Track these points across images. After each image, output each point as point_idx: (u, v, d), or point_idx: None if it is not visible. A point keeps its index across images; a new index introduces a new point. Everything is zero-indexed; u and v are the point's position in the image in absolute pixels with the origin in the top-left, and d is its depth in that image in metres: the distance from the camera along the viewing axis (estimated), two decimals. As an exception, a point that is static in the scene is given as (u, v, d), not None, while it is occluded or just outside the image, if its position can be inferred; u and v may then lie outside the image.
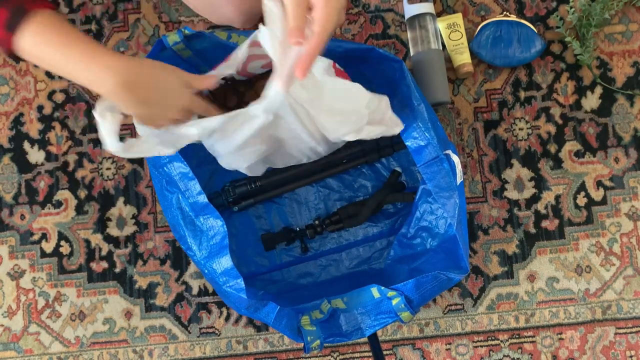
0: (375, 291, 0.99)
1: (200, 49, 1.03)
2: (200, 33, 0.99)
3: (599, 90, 1.25)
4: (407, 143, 0.98)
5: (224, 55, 1.04)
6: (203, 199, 0.94)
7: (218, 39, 0.99)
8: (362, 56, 1.02)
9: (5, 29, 0.76)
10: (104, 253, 1.20)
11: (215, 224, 0.94)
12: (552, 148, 1.23)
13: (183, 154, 0.96)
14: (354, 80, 1.10)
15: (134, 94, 0.76)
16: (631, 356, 1.18)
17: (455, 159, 0.97)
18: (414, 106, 0.97)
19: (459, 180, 0.98)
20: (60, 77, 1.25)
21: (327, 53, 1.01)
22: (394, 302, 0.96)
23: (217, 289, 1.00)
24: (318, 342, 0.96)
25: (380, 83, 1.03)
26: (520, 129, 1.23)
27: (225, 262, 0.93)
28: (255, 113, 0.80)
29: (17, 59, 0.80)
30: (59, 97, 1.25)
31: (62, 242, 1.21)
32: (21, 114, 1.25)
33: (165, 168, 0.98)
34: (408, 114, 0.98)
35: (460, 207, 0.96)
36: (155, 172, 1.02)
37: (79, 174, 1.22)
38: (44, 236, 1.21)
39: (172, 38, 0.99)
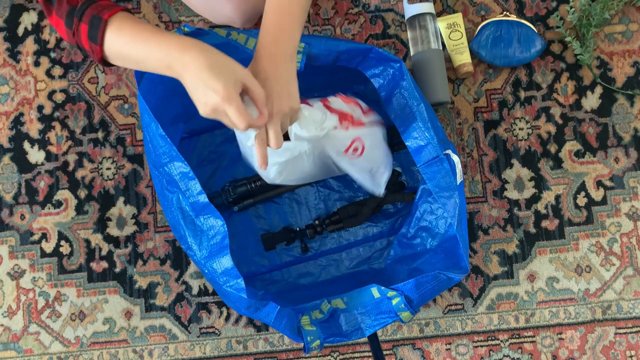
0: (375, 291, 0.99)
1: None
2: (199, 30, 0.99)
3: (599, 90, 1.25)
4: (407, 143, 0.98)
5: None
6: (203, 198, 0.94)
7: (217, 36, 0.99)
8: (361, 56, 1.02)
9: (90, 42, 0.80)
10: (104, 253, 1.20)
11: (215, 224, 0.94)
12: (552, 148, 1.23)
13: (183, 154, 0.96)
14: (353, 80, 1.11)
15: (214, 73, 0.76)
16: (631, 356, 1.18)
17: (455, 158, 0.97)
18: (413, 106, 0.97)
19: (459, 180, 0.98)
20: (60, 77, 1.25)
21: (327, 52, 1.01)
22: (394, 302, 0.96)
23: (217, 288, 1.00)
24: (318, 342, 0.96)
25: (380, 83, 1.03)
26: (520, 129, 1.23)
27: (225, 262, 0.93)
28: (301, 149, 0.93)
29: (110, 64, 0.84)
30: (59, 97, 1.25)
31: (62, 242, 1.21)
32: (21, 114, 1.25)
33: (165, 168, 0.98)
34: (408, 113, 0.98)
35: (461, 207, 0.96)
36: (155, 172, 1.02)
37: (79, 174, 1.22)
38: (44, 236, 1.21)
39: None
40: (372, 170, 1.03)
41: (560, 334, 1.18)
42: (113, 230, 1.21)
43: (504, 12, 1.24)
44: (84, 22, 0.81)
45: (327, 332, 0.98)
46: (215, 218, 0.94)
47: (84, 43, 0.83)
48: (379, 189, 1.03)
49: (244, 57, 1.02)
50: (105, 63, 0.86)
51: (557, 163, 1.22)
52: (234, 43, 0.99)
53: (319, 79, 1.13)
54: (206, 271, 0.97)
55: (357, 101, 1.03)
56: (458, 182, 0.97)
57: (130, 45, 0.80)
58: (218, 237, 0.93)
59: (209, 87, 0.76)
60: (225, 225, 0.93)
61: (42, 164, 1.23)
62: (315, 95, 1.23)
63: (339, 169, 1.01)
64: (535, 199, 1.21)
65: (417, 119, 0.97)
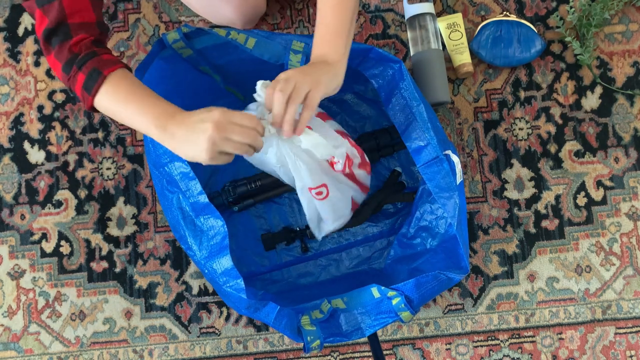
0: (375, 291, 0.99)
1: (200, 48, 1.03)
2: (199, 29, 1.00)
3: (599, 90, 1.25)
4: (406, 143, 0.98)
5: (224, 54, 1.04)
6: (204, 198, 0.94)
7: (217, 35, 0.99)
8: (361, 56, 1.02)
9: (84, 91, 0.84)
10: (104, 253, 1.20)
11: (215, 224, 0.94)
12: (552, 148, 1.23)
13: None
14: (353, 80, 1.11)
15: (171, 141, 0.82)
16: (631, 356, 1.18)
17: (455, 159, 0.97)
18: (413, 107, 0.97)
19: (459, 180, 0.98)
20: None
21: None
22: (394, 301, 0.96)
23: (217, 288, 1.00)
24: (318, 342, 0.96)
25: (380, 83, 1.03)
26: (520, 129, 1.23)
27: (225, 262, 0.93)
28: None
29: (96, 111, 0.88)
30: (59, 97, 1.25)
31: (62, 242, 1.21)
32: (21, 114, 1.25)
33: (166, 168, 0.98)
34: (408, 114, 0.98)
35: (461, 207, 0.96)
36: (155, 172, 1.02)
37: (79, 174, 1.22)
38: (44, 236, 1.21)
39: (172, 36, 0.99)
40: (319, 217, 1.04)
41: (560, 333, 1.18)
42: (113, 230, 1.21)
43: (504, 12, 1.24)
44: (83, 72, 0.85)
45: (327, 332, 0.98)
46: (215, 218, 0.94)
47: (77, 90, 0.86)
48: (319, 235, 1.06)
49: (243, 56, 1.02)
50: (93, 110, 0.89)
51: (557, 163, 1.22)
52: (234, 43, 0.99)
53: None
54: (206, 271, 0.97)
55: (363, 154, 1.06)
56: (458, 182, 0.97)
57: (122, 104, 0.84)
58: (218, 237, 0.93)
59: (195, 144, 0.80)
60: (225, 226, 0.93)
61: (42, 164, 1.23)
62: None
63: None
64: (535, 199, 1.21)
65: (417, 119, 0.97)
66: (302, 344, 0.97)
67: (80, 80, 0.85)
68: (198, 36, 1.01)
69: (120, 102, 0.84)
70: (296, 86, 0.83)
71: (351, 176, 1.04)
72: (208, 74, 1.09)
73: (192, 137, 0.80)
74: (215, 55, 1.05)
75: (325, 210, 1.03)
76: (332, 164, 1.00)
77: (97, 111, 0.89)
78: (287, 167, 0.96)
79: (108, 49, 0.89)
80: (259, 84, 0.88)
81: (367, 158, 1.07)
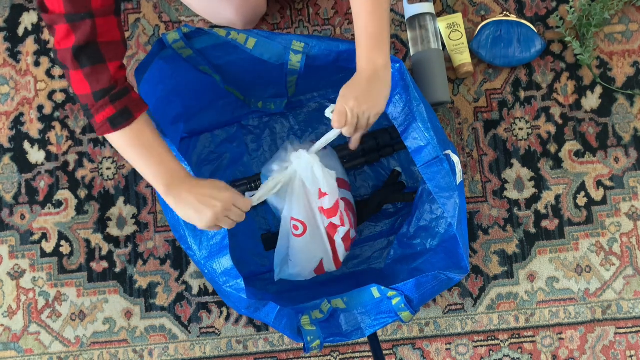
0: (375, 291, 0.99)
1: (200, 49, 1.03)
2: (199, 30, 1.00)
3: (599, 90, 1.25)
4: (406, 143, 0.98)
5: (224, 54, 1.04)
6: None
7: (217, 35, 0.99)
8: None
9: (109, 124, 0.87)
10: (104, 253, 1.20)
11: None
12: (552, 148, 1.23)
13: (183, 154, 0.96)
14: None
15: (177, 202, 0.90)
16: (631, 356, 1.18)
17: (455, 159, 0.97)
18: (413, 106, 0.97)
19: (459, 180, 0.98)
20: (60, 77, 1.25)
21: (327, 53, 1.01)
22: (394, 301, 0.96)
23: (217, 288, 1.00)
24: (318, 342, 0.96)
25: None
26: (520, 129, 1.23)
27: (225, 262, 0.93)
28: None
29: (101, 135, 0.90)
30: (59, 97, 1.25)
31: (62, 242, 1.21)
32: (21, 114, 1.25)
33: None
34: (408, 114, 0.98)
35: (460, 207, 0.96)
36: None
37: (79, 174, 1.22)
38: (44, 236, 1.21)
39: (172, 36, 0.99)
40: (289, 256, 1.07)
41: (560, 333, 1.18)
42: (113, 230, 1.21)
43: (504, 12, 1.24)
44: (115, 106, 0.86)
45: (327, 332, 0.98)
46: None
47: (99, 118, 0.87)
48: (276, 275, 1.08)
49: (243, 56, 1.02)
50: (101, 135, 0.90)
51: (557, 163, 1.22)
52: (234, 43, 0.99)
53: (319, 78, 1.13)
54: (206, 271, 0.97)
55: (351, 229, 1.08)
56: (458, 182, 0.97)
57: (136, 151, 0.89)
58: (218, 237, 0.93)
59: (201, 213, 0.89)
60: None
61: (42, 164, 1.23)
62: (315, 95, 1.24)
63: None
64: (535, 199, 1.21)
65: (417, 119, 0.97)
66: (302, 344, 0.97)
67: (109, 113, 0.86)
68: (198, 36, 1.01)
69: (138, 147, 0.89)
70: (360, 119, 0.93)
71: (331, 238, 1.06)
72: (208, 73, 1.09)
73: (199, 207, 0.89)
74: (215, 55, 1.05)
75: (295, 249, 1.05)
76: (321, 195, 1.02)
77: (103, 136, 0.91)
78: (280, 193, 1.02)
79: (131, 86, 0.91)
80: (328, 111, 0.95)
81: (352, 233, 1.09)
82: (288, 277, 1.09)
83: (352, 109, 0.91)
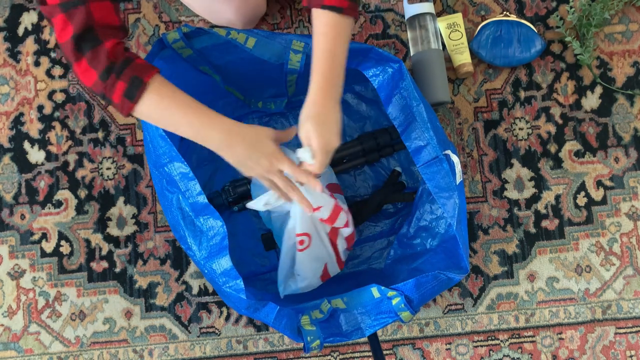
0: (375, 291, 0.99)
1: (200, 48, 1.03)
2: (199, 29, 1.00)
3: (599, 90, 1.25)
4: (406, 143, 0.98)
5: (224, 54, 1.04)
6: (203, 199, 0.94)
7: (217, 35, 0.99)
8: (361, 56, 1.02)
9: (126, 98, 0.85)
10: (104, 253, 1.20)
11: (215, 225, 0.94)
12: (552, 148, 1.23)
13: (183, 154, 0.96)
14: (353, 80, 1.12)
15: (232, 150, 0.90)
16: (631, 356, 1.18)
17: (455, 159, 0.97)
18: (413, 107, 0.97)
19: (459, 180, 0.98)
20: (60, 77, 1.25)
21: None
22: (394, 301, 0.96)
23: (217, 288, 1.00)
24: (318, 342, 0.96)
25: (380, 83, 1.03)
26: (520, 129, 1.23)
27: (224, 262, 0.93)
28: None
29: (129, 115, 0.89)
30: (59, 97, 1.25)
31: (62, 242, 1.21)
32: (21, 114, 1.25)
33: (165, 168, 0.98)
34: (407, 114, 0.98)
35: (460, 207, 0.96)
36: (155, 172, 1.02)
37: (79, 174, 1.22)
38: (44, 236, 1.21)
39: (172, 36, 0.99)
40: (296, 271, 1.06)
41: (560, 333, 1.18)
42: (113, 230, 1.21)
43: (504, 12, 1.24)
44: (122, 80, 0.85)
45: (327, 332, 0.98)
46: (215, 219, 0.94)
47: (116, 98, 0.86)
48: (282, 291, 1.07)
49: (243, 56, 1.02)
50: (129, 115, 0.89)
51: (557, 163, 1.22)
52: (234, 42, 0.99)
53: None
54: (206, 271, 0.97)
55: (352, 234, 1.08)
56: (458, 182, 0.97)
57: (168, 111, 0.88)
58: (217, 237, 0.93)
59: (253, 161, 0.90)
60: (225, 226, 0.93)
61: (42, 164, 1.23)
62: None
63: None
64: (535, 198, 1.21)
65: (417, 119, 0.97)
66: (302, 344, 0.97)
67: (121, 88, 0.85)
68: (198, 36, 1.01)
69: (164, 108, 0.88)
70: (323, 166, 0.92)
71: (333, 242, 1.06)
72: (208, 73, 1.09)
73: (253, 157, 0.90)
74: (215, 55, 1.05)
75: (301, 263, 1.04)
76: (316, 209, 1.01)
77: (132, 116, 0.89)
78: (277, 211, 1.03)
79: (136, 54, 0.89)
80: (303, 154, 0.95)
81: (354, 236, 1.10)
82: (295, 292, 1.08)
83: (322, 163, 0.91)
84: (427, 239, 1.12)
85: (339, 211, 1.02)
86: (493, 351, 1.17)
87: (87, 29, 0.83)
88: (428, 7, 1.21)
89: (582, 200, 1.21)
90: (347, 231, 1.05)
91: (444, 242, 1.08)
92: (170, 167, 0.97)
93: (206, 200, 0.94)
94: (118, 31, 0.86)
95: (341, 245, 1.07)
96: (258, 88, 1.16)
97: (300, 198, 0.93)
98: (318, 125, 0.89)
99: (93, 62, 0.84)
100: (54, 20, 0.83)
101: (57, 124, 1.24)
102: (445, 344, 1.18)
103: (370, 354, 1.17)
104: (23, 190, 1.22)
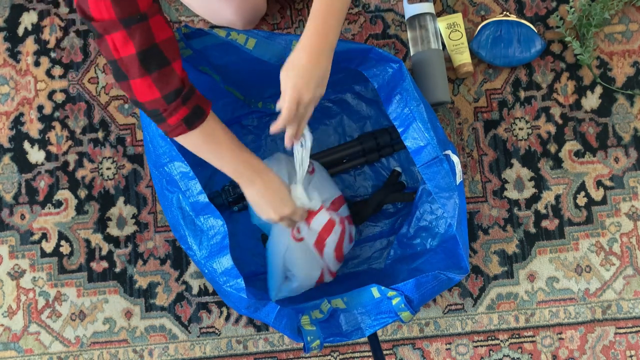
0: (375, 291, 0.99)
1: (200, 49, 1.03)
2: (199, 30, 0.99)
3: (599, 90, 1.25)
4: (406, 143, 0.98)
5: (224, 54, 1.04)
6: (204, 198, 0.94)
7: (217, 36, 0.99)
8: (361, 56, 1.02)
9: (184, 124, 0.88)
10: (104, 253, 1.20)
11: (215, 224, 0.94)
12: (552, 148, 1.23)
13: (183, 154, 0.96)
14: (353, 80, 1.12)
15: (262, 199, 0.97)
16: (631, 356, 1.18)
17: (455, 159, 0.97)
18: (413, 107, 0.97)
19: (459, 180, 0.98)
20: (60, 77, 1.25)
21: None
22: (394, 302, 0.96)
23: (217, 288, 1.00)
24: (318, 342, 0.96)
25: (380, 83, 1.03)
26: (520, 129, 1.23)
27: (225, 261, 0.93)
28: None
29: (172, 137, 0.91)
30: (59, 97, 1.25)
31: (62, 242, 1.21)
32: (21, 114, 1.25)
33: (165, 168, 0.98)
34: (407, 114, 0.98)
35: (460, 207, 0.96)
36: (155, 171, 1.02)
37: (79, 174, 1.22)
38: (44, 236, 1.21)
39: None
40: (289, 269, 1.06)
41: (560, 333, 1.18)
42: (113, 230, 1.21)
43: (504, 12, 1.24)
44: (187, 106, 0.87)
45: (327, 332, 0.98)
46: (216, 218, 0.94)
47: (173, 120, 0.87)
48: (274, 295, 1.08)
49: (243, 56, 1.02)
50: (173, 136, 0.91)
51: (557, 163, 1.22)
52: (234, 43, 0.99)
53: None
54: (206, 271, 0.97)
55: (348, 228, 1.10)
56: (458, 182, 0.97)
57: (216, 146, 0.92)
58: (218, 237, 0.93)
59: (276, 208, 0.98)
60: (225, 225, 0.93)
61: (42, 164, 1.23)
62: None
63: None
64: (535, 198, 1.21)
65: (417, 119, 0.97)
66: (302, 343, 0.97)
67: (183, 114, 0.87)
68: (198, 37, 1.01)
69: (213, 144, 0.92)
70: (307, 110, 0.94)
71: (320, 250, 1.06)
72: (208, 73, 1.09)
73: (275, 204, 0.97)
74: (215, 55, 1.05)
75: (295, 257, 1.04)
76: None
77: (171, 138, 0.92)
78: None
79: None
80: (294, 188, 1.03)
81: (346, 247, 1.10)
82: (289, 294, 1.08)
83: (303, 102, 0.91)
84: (427, 239, 1.12)
85: (333, 223, 1.05)
86: (493, 351, 1.17)
87: (151, 46, 0.81)
88: (428, 7, 1.21)
89: (582, 200, 1.21)
90: (332, 242, 1.06)
91: (444, 242, 1.08)
92: (171, 166, 0.97)
93: (207, 200, 0.94)
94: (175, 42, 0.86)
95: (329, 257, 1.07)
96: (258, 88, 1.16)
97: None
98: (295, 76, 0.90)
99: (160, 82, 0.83)
100: (109, 36, 0.80)
101: (57, 124, 1.24)
102: (445, 344, 1.18)
103: (370, 354, 1.17)
104: (23, 190, 1.22)
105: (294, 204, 1.00)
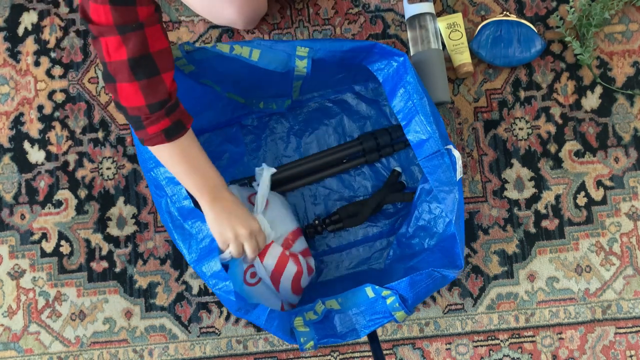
0: (369, 291, 0.98)
1: (200, 59, 1.02)
2: (202, 49, 0.99)
3: (599, 90, 1.25)
4: (408, 136, 0.99)
5: (227, 65, 1.03)
6: (189, 204, 0.94)
7: (221, 52, 0.98)
8: (365, 52, 1.02)
9: (163, 135, 0.88)
10: (104, 253, 1.20)
11: (204, 228, 0.94)
12: (552, 148, 1.23)
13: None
14: (353, 80, 1.11)
15: (222, 216, 0.96)
16: (631, 356, 1.18)
17: (457, 154, 0.97)
18: (416, 100, 0.97)
19: (459, 176, 0.98)
20: (60, 77, 1.25)
21: (332, 54, 1.01)
22: (389, 301, 0.95)
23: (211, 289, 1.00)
24: (312, 343, 0.96)
25: (384, 77, 1.03)
26: (520, 129, 1.23)
27: (214, 265, 0.93)
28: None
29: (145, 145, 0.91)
30: (59, 97, 1.25)
31: (62, 242, 1.21)
32: (21, 114, 1.25)
33: (152, 173, 0.98)
34: (410, 107, 0.98)
35: (459, 202, 0.96)
36: (147, 174, 1.01)
37: (79, 174, 1.23)
38: (44, 236, 1.21)
39: (174, 54, 0.98)
40: (281, 294, 1.07)
41: (560, 333, 1.18)
42: (113, 230, 1.21)
43: (504, 12, 1.24)
44: (170, 119, 0.87)
45: (321, 333, 0.97)
46: (203, 222, 0.94)
47: (152, 130, 0.87)
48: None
49: (247, 65, 1.01)
50: (149, 145, 0.91)
51: (557, 163, 1.22)
52: (239, 58, 0.98)
53: (320, 79, 1.12)
54: (198, 273, 0.97)
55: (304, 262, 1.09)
56: (457, 179, 0.97)
57: (186, 166, 0.92)
58: (207, 240, 0.94)
59: (234, 226, 0.96)
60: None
61: (42, 164, 1.23)
62: (315, 95, 1.24)
63: None
64: (535, 198, 1.21)
65: (419, 112, 0.97)
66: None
67: (163, 125, 0.87)
68: (200, 52, 1.00)
69: (186, 159, 0.92)
70: (247, 244, 0.99)
71: (276, 282, 1.06)
72: (208, 85, 1.09)
73: (228, 226, 0.95)
74: (217, 65, 1.04)
75: (256, 299, 1.05)
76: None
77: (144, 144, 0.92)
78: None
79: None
80: (258, 170, 1.07)
81: (304, 280, 1.10)
82: None
83: (240, 238, 0.97)
84: (425, 238, 1.12)
85: (286, 261, 1.05)
86: (493, 351, 1.17)
87: (143, 54, 0.82)
88: (428, 7, 1.21)
89: (582, 200, 1.21)
90: (287, 280, 1.06)
91: (442, 241, 1.08)
92: (157, 171, 0.97)
93: (192, 205, 0.94)
94: (169, 54, 0.86)
95: (286, 291, 1.07)
96: (260, 90, 1.16)
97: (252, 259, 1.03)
98: (212, 230, 0.96)
99: (147, 90, 0.84)
100: (104, 39, 0.81)
101: (57, 124, 1.24)
102: (445, 344, 1.18)
103: (370, 353, 1.17)
104: (23, 190, 1.22)
105: (255, 223, 0.99)
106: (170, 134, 0.88)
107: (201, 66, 1.03)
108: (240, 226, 0.96)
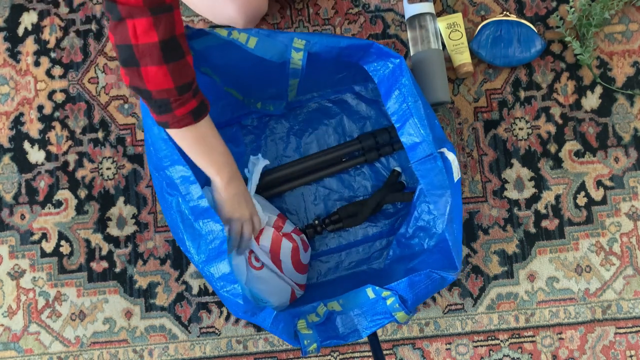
0: (370, 292, 0.98)
1: (200, 49, 1.03)
2: (200, 30, 0.99)
3: (599, 90, 1.24)
4: (402, 139, 0.98)
5: (224, 54, 1.04)
6: (204, 202, 0.94)
7: (219, 36, 0.99)
8: (362, 51, 1.02)
9: (191, 116, 0.89)
10: (104, 253, 1.20)
11: (214, 228, 0.94)
12: (552, 148, 1.23)
13: (184, 155, 0.96)
14: (352, 80, 1.11)
15: (235, 199, 1.00)
16: (631, 356, 1.18)
17: (451, 156, 0.97)
18: (410, 102, 0.97)
19: (456, 178, 0.98)
20: (60, 77, 1.25)
21: (328, 50, 1.01)
22: (389, 302, 0.95)
23: (216, 291, 1.00)
24: (315, 345, 0.96)
25: (380, 78, 1.03)
26: (520, 129, 1.23)
27: (223, 267, 0.92)
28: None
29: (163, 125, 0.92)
30: (59, 97, 1.25)
31: (62, 242, 1.21)
32: (21, 114, 1.25)
33: (166, 171, 0.97)
34: (405, 110, 0.98)
35: (453, 205, 0.95)
36: (156, 174, 1.01)
37: (79, 174, 1.23)
38: (44, 236, 1.21)
39: None
40: (264, 303, 1.07)
41: (560, 333, 1.18)
42: (113, 230, 1.21)
43: (504, 12, 1.24)
44: (196, 99, 0.89)
45: (323, 335, 0.98)
46: (215, 222, 0.94)
47: (181, 111, 0.87)
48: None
49: (245, 56, 1.02)
50: (176, 127, 0.91)
51: (557, 163, 1.22)
52: (235, 42, 0.99)
53: (319, 79, 1.12)
54: (206, 274, 0.97)
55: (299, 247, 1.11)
56: (455, 180, 0.97)
57: (210, 144, 0.94)
58: (216, 241, 0.93)
59: (242, 208, 1.01)
60: (224, 230, 0.93)
61: (42, 164, 1.23)
62: (315, 95, 1.24)
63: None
64: (535, 198, 1.21)
65: (414, 115, 0.97)
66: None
67: (191, 106, 0.88)
68: (199, 37, 1.01)
69: (208, 139, 0.94)
70: (244, 231, 1.03)
71: (278, 265, 1.08)
72: (208, 74, 1.09)
73: (239, 206, 1.00)
74: (216, 55, 1.05)
75: (262, 289, 1.05)
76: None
77: (166, 129, 0.93)
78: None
79: None
80: (252, 159, 1.12)
81: (303, 257, 1.12)
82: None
83: (236, 223, 1.00)
84: (424, 239, 1.12)
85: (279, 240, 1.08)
86: (493, 351, 1.17)
87: (172, 37, 0.82)
88: (428, 7, 1.21)
89: (582, 200, 1.21)
90: (287, 256, 1.08)
91: (441, 242, 1.08)
92: (172, 170, 0.97)
93: (207, 204, 0.94)
94: (185, 39, 0.86)
95: (289, 271, 1.09)
96: (258, 88, 1.16)
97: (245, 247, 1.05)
98: (221, 209, 1.00)
99: (176, 73, 0.84)
100: (131, 21, 0.79)
101: (57, 124, 1.24)
102: (445, 344, 1.18)
103: (370, 354, 1.17)
104: (23, 190, 1.22)
105: (255, 207, 1.04)
106: (197, 115, 0.89)
107: (200, 53, 1.03)
108: (246, 208, 1.01)
